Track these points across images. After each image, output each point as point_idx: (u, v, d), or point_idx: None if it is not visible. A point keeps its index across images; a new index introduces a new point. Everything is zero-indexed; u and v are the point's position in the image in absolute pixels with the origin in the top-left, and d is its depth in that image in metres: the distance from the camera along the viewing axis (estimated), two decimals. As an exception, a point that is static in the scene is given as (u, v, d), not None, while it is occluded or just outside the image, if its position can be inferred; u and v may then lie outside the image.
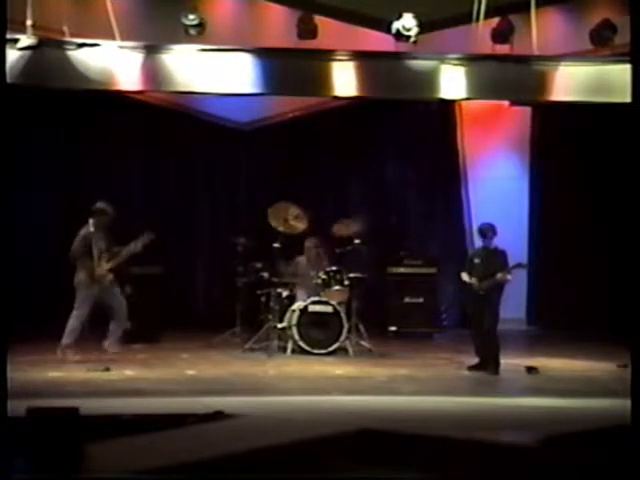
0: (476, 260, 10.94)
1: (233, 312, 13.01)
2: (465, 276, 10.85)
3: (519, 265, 10.98)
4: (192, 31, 10.61)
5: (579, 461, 6.54)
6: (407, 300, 14.23)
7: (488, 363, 10.76)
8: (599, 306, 14.57)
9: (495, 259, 10.82)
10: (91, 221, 10.99)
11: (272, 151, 15.42)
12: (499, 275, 10.68)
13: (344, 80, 10.53)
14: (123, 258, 11.08)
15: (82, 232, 10.98)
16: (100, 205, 11.07)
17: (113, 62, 10.11)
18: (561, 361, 11.91)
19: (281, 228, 12.60)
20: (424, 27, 10.64)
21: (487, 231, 11.01)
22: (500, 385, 10.37)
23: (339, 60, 10.53)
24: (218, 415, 7.62)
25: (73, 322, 10.91)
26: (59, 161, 14.83)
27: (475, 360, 10.93)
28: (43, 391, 8.94)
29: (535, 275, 15.57)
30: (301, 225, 12.77)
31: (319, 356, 11.89)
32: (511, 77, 10.64)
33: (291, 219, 12.68)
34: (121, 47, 10.15)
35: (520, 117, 15.69)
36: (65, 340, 10.91)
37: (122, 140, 15.02)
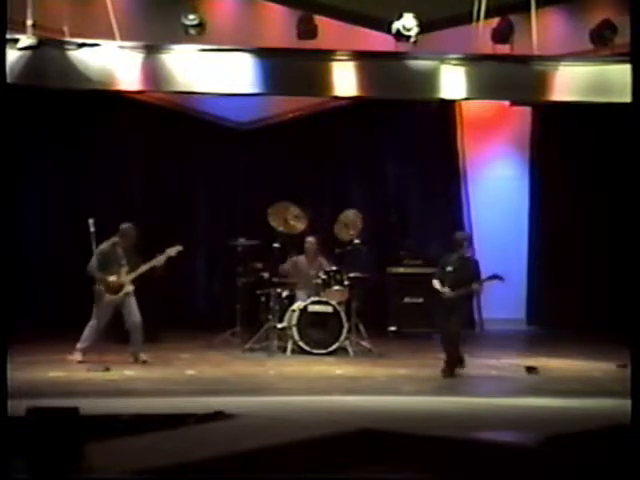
0: (449, 268, 10.75)
1: (233, 312, 13.01)
2: (437, 284, 10.72)
3: (495, 277, 10.79)
4: (192, 31, 10.61)
5: (579, 461, 6.54)
6: (407, 300, 14.22)
7: (459, 362, 10.70)
8: (599, 306, 14.55)
9: (468, 268, 10.71)
10: (114, 238, 11.13)
11: (272, 151, 15.40)
12: (474, 286, 10.60)
13: (344, 80, 10.53)
14: (144, 271, 11.17)
15: (101, 247, 11.05)
16: (123, 226, 11.22)
17: (113, 62, 10.11)
18: (561, 361, 11.91)
19: (281, 228, 12.61)
20: (424, 27, 10.64)
21: (464, 240, 10.92)
22: (500, 385, 10.37)
23: (339, 60, 10.53)
24: (218, 415, 7.62)
25: (88, 331, 11.00)
26: (59, 161, 14.82)
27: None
28: (43, 391, 8.94)
29: (535, 275, 15.58)
30: (301, 225, 12.78)
31: (319, 356, 11.90)
32: (511, 77, 10.65)
33: (291, 219, 12.69)
34: (121, 47, 10.16)
35: (520, 117, 15.69)
36: (79, 345, 11.02)
37: (122, 140, 15.01)
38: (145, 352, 11.18)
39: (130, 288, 11.07)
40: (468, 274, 10.63)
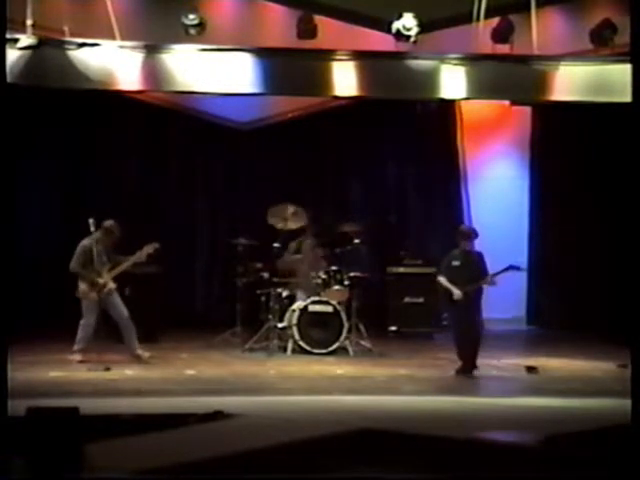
0: (455, 263, 10.63)
1: (233, 312, 13.01)
2: (445, 282, 10.57)
3: (511, 267, 10.72)
4: (192, 31, 10.62)
5: (579, 461, 6.54)
6: (407, 300, 14.21)
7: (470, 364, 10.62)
8: (599, 306, 14.56)
9: (474, 262, 10.64)
10: (96, 235, 10.98)
11: (272, 151, 15.40)
12: (490, 279, 10.55)
13: (344, 80, 10.53)
14: (125, 267, 11.14)
15: (83, 244, 11.00)
16: (109, 223, 11.08)
17: (113, 62, 10.11)
18: (561, 361, 11.90)
19: (280, 225, 12.61)
20: (424, 27, 10.64)
21: (471, 234, 10.85)
22: (500, 385, 10.37)
23: (339, 60, 10.52)
24: (218, 415, 7.63)
25: (81, 331, 10.98)
26: (59, 161, 14.82)
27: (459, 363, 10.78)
28: (43, 391, 8.94)
29: (535, 275, 15.57)
30: (299, 223, 12.79)
31: (319, 356, 11.89)
32: (511, 77, 10.64)
33: (290, 218, 12.69)
34: (121, 47, 10.16)
35: (520, 117, 15.69)
36: (76, 347, 10.98)
37: (122, 140, 15.02)
38: (143, 348, 11.16)
39: (113, 285, 11.02)
40: (476, 268, 10.57)
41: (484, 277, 10.56)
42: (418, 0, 10.81)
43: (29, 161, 14.23)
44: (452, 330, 10.94)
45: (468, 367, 10.54)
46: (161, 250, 11.34)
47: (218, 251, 15.07)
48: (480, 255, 10.77)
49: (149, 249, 11.17)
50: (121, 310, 11.04)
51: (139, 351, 11.10)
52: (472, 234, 10.81)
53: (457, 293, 10.45)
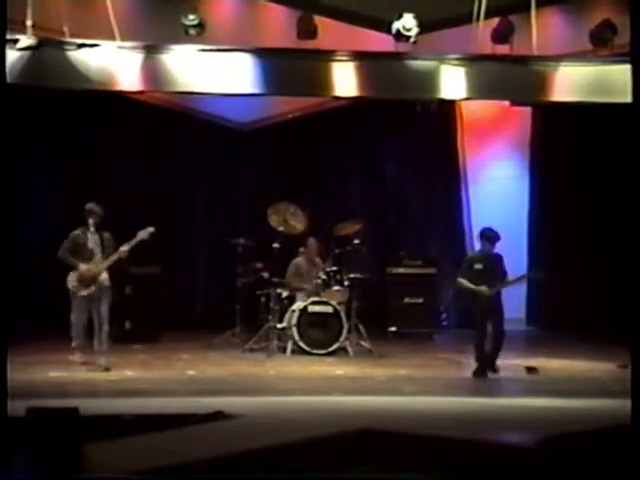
0: (477, 266, 10.62)
1: (233, 312, 13.01)
2: (467, 284, 10.52)
3: (526, 276, 10.76)
4: (192, 31, 10.62)
5: (579, 461, 6.54)
6: (407, 300, 14.22)
7: (489, 365, 10.62)
8: (599, 306, 14.56)
9: (497, 264, 10.68)
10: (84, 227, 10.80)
11: (272, 151, 15.41)
12: (512, 280, 10.62)
13: (344, 80, 10.53)
14: (120, 256, 10.69)
15: (72, 233, 10.80)
16: (89, 206, 10.76)
17: (113, 62, 10.11)
18: (561, 361, 11.92)
19: (281, 228, 12.61)
20: (424, 27, 10.64)
21: (495, 237, 10.76)
22: (500, 385, 10.38)
23: (339, 60, 10.52)
24: (218, 415, 7.63)
25: (74, 328, 10.73)
26: (59, 161, 14.83)
27: (474, 365, 10.77)
28: (43, 391, 8.95)
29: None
30: (300, 224, 12.78)
31: (319, 356, 11.90)
32: (511, 77, 10.64)
33: (291, 219, 12.69)
34: (121, 47, 10.15)
35: (520, 117, 15.69)
36: (73, 344, 10.78)
37: (122, 140, 15.02)
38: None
39: (105, 276, 10.59)
40: (497, 270, 10.60)
41: (504, 279, 10.61)
42: (418, 0, 10.81)
43: (29, 161, 14.24)
44: (474, 333, 10.84)
45: (484, 369, 10.53)
46: (156, 241, 11.00)
47: (218, 251, 15.07)
48: (500, 257, 10.77)
49: (143, 234, 10.68)
50: (105, 310, 10.56)
51: (102, 358, 10.55)
52: (496, 237, 10.78)
53: (484, 289, 10.42)
